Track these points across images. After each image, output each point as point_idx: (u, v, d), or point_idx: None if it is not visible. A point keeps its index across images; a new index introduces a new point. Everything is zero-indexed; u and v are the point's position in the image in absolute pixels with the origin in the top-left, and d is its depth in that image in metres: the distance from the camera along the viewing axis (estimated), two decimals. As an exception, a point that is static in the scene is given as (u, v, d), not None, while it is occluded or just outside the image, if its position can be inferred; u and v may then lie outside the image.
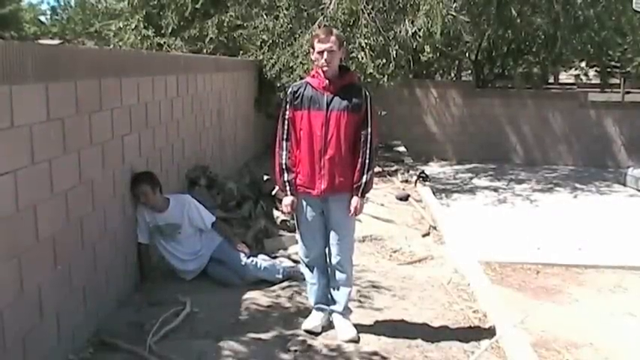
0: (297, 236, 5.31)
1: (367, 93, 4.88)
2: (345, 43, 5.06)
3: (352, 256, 5.20)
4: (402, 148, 14.68)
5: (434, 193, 11.20)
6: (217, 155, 9.47)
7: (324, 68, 4.78)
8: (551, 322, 5.82)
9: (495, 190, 12.54)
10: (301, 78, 11.55)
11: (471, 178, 13.81)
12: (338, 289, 5.14)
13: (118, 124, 5.52)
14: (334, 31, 4.89)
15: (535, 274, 7.20)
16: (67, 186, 4.57)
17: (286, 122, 4.94)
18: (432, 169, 14.60)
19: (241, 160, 11.40)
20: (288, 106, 4.91)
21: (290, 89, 4.95)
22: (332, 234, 5.04)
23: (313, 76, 4.90)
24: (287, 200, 4.96)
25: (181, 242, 6.23)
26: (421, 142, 15.74)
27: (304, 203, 5.01)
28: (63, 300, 4.55)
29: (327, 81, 4.81)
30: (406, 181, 11.70)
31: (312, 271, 5.22)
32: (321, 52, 4.75)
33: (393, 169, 12.66)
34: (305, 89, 4.87)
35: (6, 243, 3.79)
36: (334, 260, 5.07)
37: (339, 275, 5.11)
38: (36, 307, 4.19)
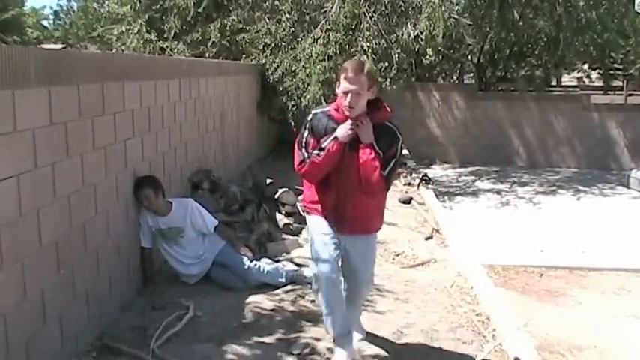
0: (311, 258, 4.68)
1: (399, 136, 4.43)
2: (377, 79, 4.48)
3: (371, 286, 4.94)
4: (404, 151, 14.67)
5: (437, 196, 11.20)
6: (220, 159, 9.47)
7: (347, 112, 4.27)
8: (555, 324, 5.82)
9: (498, 192, 12.53)
10: (303, 82, 11.63)
11: (474, 181, 13.80)
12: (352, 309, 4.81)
13: (120, 128, 5.52)
14: (366, 66, 4.30)
15: (538, 277, 7.19)
16: (70, 190, 4.57)
17: (303, 148, 4.41)
18: (435, 172, 14.59)
19: (244, 163, 11.40)
20: (307, 134, 4.42)
21: (310, 115, 4.47)
22: (352, 268, 4.65)
23: (336, 109, 4.39)
24: (345, 127, 4.32)
25: (184, 246, 6.23)
26: (424, 145, 15.74)
27: (318, 220, 4.54)
28: (66, 304, 4.55)
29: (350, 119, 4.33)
30: (409, 184, 11.70)
31: (328, 298, 4.57)
32: (345, 93, 4.22)
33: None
34: (327, 121, 4.38)
35: (9, 247, 3.79)
36: (354, 293, 4.77)
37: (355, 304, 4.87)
38: (39, 311, 4.20)
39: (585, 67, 21.28)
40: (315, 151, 4.31)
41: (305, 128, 4.45)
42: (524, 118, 15.69)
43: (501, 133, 15.80)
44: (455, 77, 20.81)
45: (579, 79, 23.10)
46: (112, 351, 4.85)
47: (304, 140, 4.41)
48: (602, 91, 23.95)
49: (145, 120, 6.18)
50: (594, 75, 23.19)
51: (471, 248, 7.67)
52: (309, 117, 4.46)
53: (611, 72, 22.69)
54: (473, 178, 14.19)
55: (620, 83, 22.94)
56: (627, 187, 13.03)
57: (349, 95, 4.20)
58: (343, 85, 4.23)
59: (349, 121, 4.27)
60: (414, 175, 12.20)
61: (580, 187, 13.06)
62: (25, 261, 3.98)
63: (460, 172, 14.93)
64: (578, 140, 15.56)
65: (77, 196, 4.69)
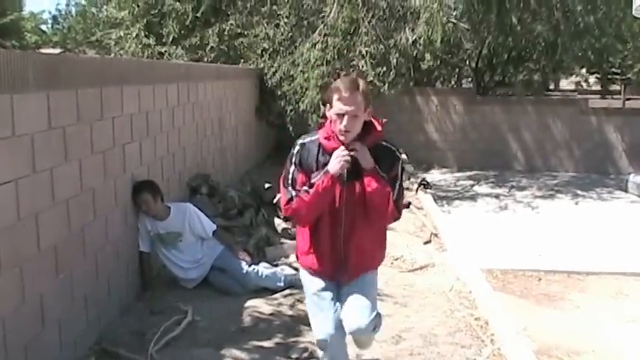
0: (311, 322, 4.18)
1: (399, 155, 3.91)
2: (370, 99, 3.80)
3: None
4: (403, 156, 14.65)
5: (435, 200, 11.20)
6: (218, 163, 9.48)
7: (342, 137, 3.69)
8: (553, 328, 5.82)
9: (497, 197, 12.54)
10: (301, 87, 11.64)
11: (472, 186, 13.81)
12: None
13: (119, 132, 5.53)
14: (361, 84, 3.70)
15: (537, 281, 7.19)
16: (68, 195, 4.58)
17: (290, 186, 3.82)
18: (433, 176, 14.60)
19: (242, 168, 11.41)
20: (293, 168, 3.83)
21: (297, 146, 3.85)
22: (350, 302, 3.95)
23: (327, 138, 3.78)
24: (337, 157, 3.71)
25: (183, 250, 6.23)
26: (422, 150, 15.74)
27: (311, 277, 4.04)
28: (65, 308, 4.55)
29: (342, 146, 3.73)
30: (407, 189, 11.69)
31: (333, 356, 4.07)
32: (340, 115, 3.65)
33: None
34: (318, 152, 3.79)
35: (8, 252, 3.79)
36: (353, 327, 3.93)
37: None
38: (38, 315, 4.19)
39: (583, 71, 21.28)
40: (305, 188, 3.71)
41: (291, 162, 3.83)
42: (523, 122, 15.70)
43: (499, 138, 15.81)
44: (453, 82, 20.83)
45: (577, 83, 23.09)
46: (110, 355, 4.85)
47: (291, 176, 3.81)
48: (600, 96, 23.98)
49: (143, 124, 6.18)
50: (592, 79, 23.22)
51: (469, 253, 7.67)
52: (296, 148, 3.84)
53: (609, 76, 22.72)
54: (471, 182, 14.19)
55: (618, 88, 22.97)
56: (626, 191, 13.04)
57: (345, 118, 3.63)
58: (337, 107, 3.65)
59: (341, 149, 3.67)
60: (412, 179, 12.20)
61: (578, 192, 13.07)
62: (23, 266, 3.98)
63: (458, 176, 14.94)
64: (577, 144, 15.57)
65: (76, 200, 4.69)
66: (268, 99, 12.81)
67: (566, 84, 28.06)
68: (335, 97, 3.66)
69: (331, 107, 3.71)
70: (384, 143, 3.84)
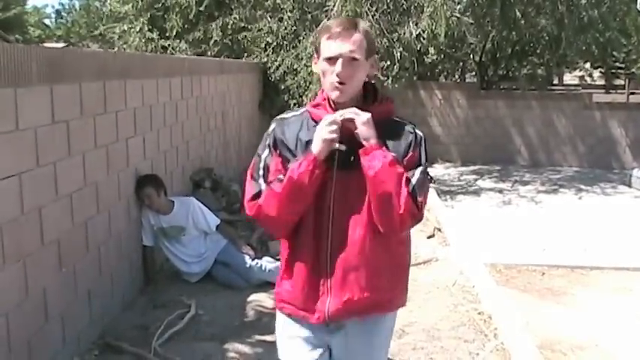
0: None
1: (420, 133, 2.77)
2: (375, 46, 2.83)
3: None
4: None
5: (438, 194, 11.19)
6: (222, 157, 9.47)
7: (335, 93, 2.61)
8: (557, 323, 5.81)
9: (500, 191, 12.51)
10: (305, 81, 11.64)
11: (476, 180, 13.78)
12: None
13: (122, 126, 5.53)
14: (360, 24, 2.66)
15: (540, 276, 7.18)
16: (71, 189, 4.58)
17: (261, 177, 2.72)
18: (437, 170, 14.58)
19: (246, 162, 11.35)
20: (267, 153, 2.76)
21: (273, 124, 2.81)
22: None
23: (317, 105, 2.74)
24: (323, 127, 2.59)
25: (186, 245, 6.23)
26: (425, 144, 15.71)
27: (293, 330, 2.89)
28: (68, 303, 4.56)
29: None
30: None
31: None
32: (331, 60, 2.57)
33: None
34: (301, 127, 2.72)
35: (11, 246, 3.80)
36: None
37: None
38: (41, 309, 4.20)
39: (587, 65, 21.28)
40: (279, 177, 2.63)
41: (264, 145, 2.76)
42: (526, 116, 15.66)
43: (503, 132, 15.77)
44: (457, 76, 20.79)
45: (581, 77, 23.09)
46: (113, 350, 4.86)
47: (262, 163, 2.72)
48: (604, 90, 23.95)
49: (146, 118, 6.18)
50: (596, 74, 23.19)
51: (472, 247, 7.66)
52: (272, 126, 2.80)
53: (613, 71, 22.71)
54: (475, 176, 14.16)
55: (622, 82, 22.94)
56: (629, 186, 13.00)
57: (339, 62, 2.55)
58: (327, 48, 2.58)
59: (329, 116, 2.58)
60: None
61: (582, 186, 13.03)
62: (26, 260, 3.98)
63: (462, 170, 14.91)
64: (580, 139, 15.52)
65: (79, 194, 4.69)
66: (272, 93, 12.80)
67: (570, 78, 28.02)
68: (324, 37, 2.61)
69: (318, 58, 2.65)
70: (397, 119, 2.76)
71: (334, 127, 2.54)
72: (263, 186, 2.67)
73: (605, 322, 5.92)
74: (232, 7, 13.03)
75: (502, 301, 5.90)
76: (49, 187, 4.26)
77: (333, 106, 2.66)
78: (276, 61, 12.34)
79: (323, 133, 2.55)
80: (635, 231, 9.26)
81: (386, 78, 11.29)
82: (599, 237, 8.89)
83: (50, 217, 4.26)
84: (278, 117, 2.83)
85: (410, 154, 2.67)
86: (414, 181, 2.61)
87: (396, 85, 11.68)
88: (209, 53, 12.94)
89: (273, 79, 12.43)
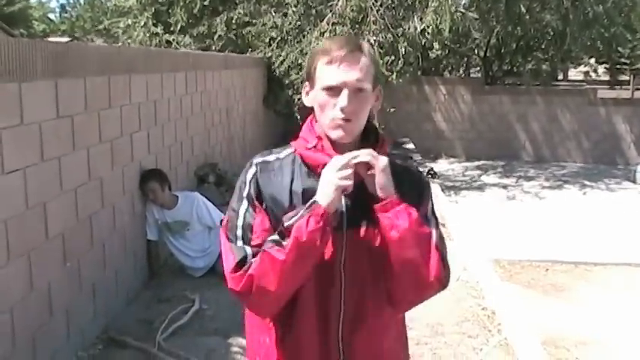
0: None
1: (424, 180, 2.30)
2: (379, 70, 2.25)
3: None
4: (410, 145, 14.64)
5: (442, 190, 11.18)
6: (226, 152, 9.48)
7: (338, 133, 2.06)
8: (560, 319, 5.81)
9: (504, 187, 12.50)
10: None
11: (480, 175, 13.77)
12: None
13: (126, 121, 5.53)
14: (364, 45, 2.11)
15: (544, 272, 7.18)
16: (76, 183, 4.59)
17: (240, 239, 2.09)
18: (441, 166, 14.57)
19: (250, 157, 11.35)
20: (246, 206, 2.13)
21: (253, 167, 2.19)
22: None
23: (311, 147, 2.12)
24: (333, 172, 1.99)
25: (190, 239, 6.24)
26: (430, 139, 15.70)
27: None
28: (72, 297, 4.57)
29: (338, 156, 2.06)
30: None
31: None
32: (333, 90, 2.04)
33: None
34: (292, 176, 2.13)
35: (16, 240, 3.80)
36: None
37: None
38: (45, 304, 4.21)
39: (592, 61, 21.21)
40: (273, 238, 2.01)
41: (240, 197, 2.15)
42: (531, 112, 15.65)
43: (507, 128, 15.76)
44: (461, 71, 20.77)
45: (586, 73, 23.01)
46: (117, 344, 4.87)
47: (240, 222, 2.10)
48: (608, 86, 23.91)
49: (151, 113, 6.18)
50: (601, 69, 23.13)
51: (476, 242, 7.66)
52: (250, 172, 2.17)
53: (618, 66, 22.65)
54: (479, 172, 14.16)
55: (627, 78, 22.89)
56: (634, 182, 12.99)
57: (344, 94, 2.01)
58: (328, 76, 2.04)
59: (342, 158, 2.00)
60: (419, 169, 12.17)
61: (586, 182, 13.03)
62: (31, 254, 3.99)
63: (466, 166, 14.91)
64: (585, 135, 15.51)
65: (83, 189, 4.70)
66: (276, 88, 12.80)
67: (574, 74, 27.96)
68: (322, 61, 2.06)
69: (312, 87, 2.11)
70: (398, 161, 2.21)
71: (348, 171, 1.97)
72: (248, 250, 2.03)
73: (609, 318, 5.92)
74: (237, 1, 13.03)
75: (506, 297, 5.90)
76: (53, 182, 4.27)
77: (333, 148, 2.08)
78: (280, 55, 12.34)
79: (334, 180, 1.96)
80: (639, 227, 9.26)
81: (390, 73, 11.29)
82: (604, 233, 8.89)
83: (55, 211, 4.27)
84: (257, 160, 2.18)
85: (422, 203, 2.16)
86: (435, 238, 2.14)
87: (401, 80, 11.69)
88: (213, 48, 12.94)
89: (277, 74, 12.44)
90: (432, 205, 2.25)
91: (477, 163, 15.16)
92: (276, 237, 2.00)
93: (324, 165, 2.02)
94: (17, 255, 3.83)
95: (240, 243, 2.06)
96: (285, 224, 1.99)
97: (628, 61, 21.68)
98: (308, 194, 2.04)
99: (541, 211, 10.34)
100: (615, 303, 6.28)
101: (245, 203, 2.11)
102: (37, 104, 4.04)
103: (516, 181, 13.19)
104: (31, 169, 3.96)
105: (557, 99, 15.75)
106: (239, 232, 2.08)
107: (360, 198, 2.05)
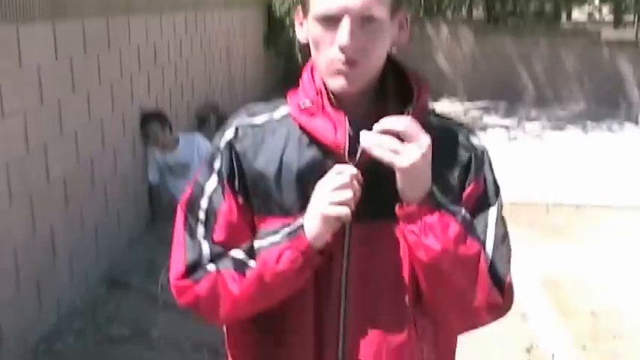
0: None
1: (475, 146, 1.65)
2: None
3: None
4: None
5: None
6: (226, 94, 9.43)
7: (338, 81, 1.43)
8: (560, 260, 5.85)
9: (506, 128, 12.47)
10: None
11: (482, 116, 13.72)
12: None
13: (126, 63, 5.49)
14: None
15: (545, 213, 7.20)
16: (76, 126, 4.57)
17: (201, 232, 1.56)
18: (443, 106, 14.51)
19: (251, 98, 11.35)
20: (214, 189, 1.57)
21: (227, 133, 1.58)
22: None
23: (306, 110, 1.50)
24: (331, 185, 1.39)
25: (191, 182, 6.25)
26: (432, 80, 15.20)
27: None
28: (75, 239, 4.59)
29: (347, 125, 1.47)
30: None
31: None
32: (330, 21, 1.40)
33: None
34: (285, 143, 1.53)
35: (18, 183, 3.81)
36: None
37: None
38: (49, 246, 4.24)
39: (596, 1, 20.93)
40: (235, 254, 1.50)
41: (209, 171, 1.61)
42: (534, 53, 15.51)
43: (510, 69, 15.64)
44: (464, 11, 20.54)
45: (590, 14, 22.74)
46: (121, 285, 4.92)
47: (205, 204, 1.57)
48: (613, 27, 23.63)
49: (151, 55, 6.13)
50: (605, 10, 22.84)
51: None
52: (227, 134, 1.58)
53: (623, 7, 22.36)
54: (481, 113, 14.10)
55: (632, 18, 22.62)
56: (636, 123, 12.95)
57: (344, 24, 1.38)
58: (322, 4, 1.42)
59: (347, 169, 1.41)
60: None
61: (589, 123, 12.98)
62: (33, 197, 4.00)
63: (468, 106, 14.83)
64: (588, 76, 15.39)
65: (84, 131, 4.69)
66: (277, 28, 12.67)
67: (578, 15, 27.65)
68: None
69: (305, 15, 1.52)
70: (435, 121, 1.62)
71: (350, 193, 1.38)
72: (205, 248, 1.52)
73: (609, 259, 5.95)
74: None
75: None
76: (53, 124, 4.26)
77: (334, 103, 1.48)
78: (281, -5, 12.21)
79: (330, 199, 1.38)
80: (640, 169, 9.26)
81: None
82: (605, 175, 8.89)
83: (55, 154, 4.26)
84: (239, 121, 1.58)
85: (470, 185, 1.57)
86: (489, 245, 1.54)
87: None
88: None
89: (278, 14, 12.30)
90: (491, 182, 1.67)
91: (478, 103, 15.09)
92: (241, 254, 1.48)
93: (326, 138, 1.46)
94: (19, 199, 3.84)
95: (200, 231, 1.53)
96: (255, 245, 1.47)
97: (634, 1, 21.40)
98: (304, 173, 1.48)
99: (542, 153, 10.33)
100: (615, 245, 6.31)
101: (214, 179, 1.56)
102: (35, 46, 4.01)
103: (518, 122, 13.15)
104: (31, 112, 3.95)
105: (561, 40, 15.60)
106: (201, 215, 1.55)
107: (377, 176, 1.42)
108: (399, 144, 1.35)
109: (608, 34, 16.44)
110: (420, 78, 1.57)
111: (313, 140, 1.49)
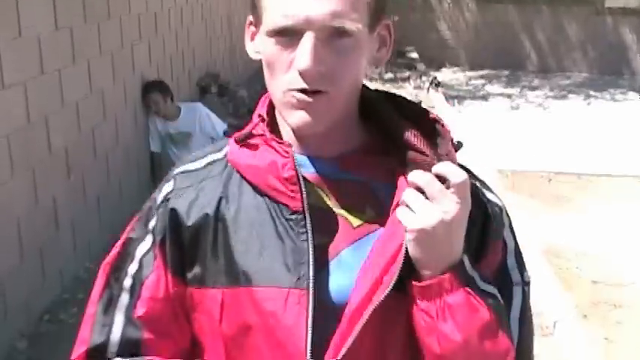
0: None
1: (492, 200, 1.31)
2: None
3: None
4: (414, 55, 14.49)
5: (446, 99, 11.12)
6: (228, 63, 9.39)
7: (298, 117, 1.09)
8: (562, 230, 5.86)
9: (508, 96, 12.42)
10: None
11: (484, 85, 13.67)
12: None
13: (127, 32, 5.46)
14: None
15: (547, 182, 7.20)
16: (77, 96, 4.56)
17: (131, 284, 1.21)
18: (445, 75, 14.44)
19: (252, 67, 11.30)
20: (151, 248, 1.22)
21: (169, 184, 1.32)
22: None
23: (245, 145, 1.27)
24: None
25: (193, 151, 6.22)
26: (434, 49, 15.51)
27: None
28: (77, 210, 4.60)
29: (312, 168, 1.17)
30: (419, 88, 11.60)
31: None
32: (287, 34, 1.06)
33: (406, 75, 12.60)
34: (227, 190, 1.21)
35: (19, 154, 3.81)
36: None
37: None
38: (51, 217, 4.24)
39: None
40: None
41: (147, 230, 1.26)
42: (536, 21, 15.41)
43: (513, 37, 15.55)
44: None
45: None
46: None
47: (132, 268, 1.22)
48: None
49: (151, 24, 6.09)
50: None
51: (480, 152, 7.66)
52: (165, 187, 1.33)
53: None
54: (483, 81, 14.04)
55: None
56: (639, 92, 12.91)
57: (306, 40, 1.03)
58: (278, 5, 1.07)
59: None
60: (423, 78, 12.07)
61: (591, 92, 12.93)
62: (35, 168, 4.00)
63: (470, 75, 14.77)
64: (591, 45, 15.30)
65: (85, 102, 4.67)
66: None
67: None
68: None
69: (258, 27, 1.19)
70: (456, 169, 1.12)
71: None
72: (116, 331, 1.20)
73: (611, 229, 5.96)
74: None
75: (508, 207, 5.91)
76: (54, 94, 4.24)
77: (284, 146, 1.17)
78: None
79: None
80: (643, 137, 9.24)
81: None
82: (608, 144, 8.87)
83: (56, 125, 4.25)
84: (176, 170, 1.36)
85: (490, 251, 1.23)
86: (515, 334, 1.22)
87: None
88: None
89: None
90: (512, 246, 1.32)
91: (481, 72, 15.02)
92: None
93: (268, 185, 1.16)
94: (21, 169, 3.84)
95: (123, 301, 1.20)
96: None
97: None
98: (246, 224, 1.17)
99: (545, 122, 10.30)
100: (617, 214, 6.32)
101: (148, 240, 1.24)
102: (35, 16, 3.98)
103: (520, 90, 13.09)
104: (31, 82, 3.93)
105: (564, 8, 15.48)
106: (126, 282, 1.21)
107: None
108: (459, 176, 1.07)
109: (612, 2, 16.28)
110: (440, 120, 1.23)
111: (260, 187, 1.17)
